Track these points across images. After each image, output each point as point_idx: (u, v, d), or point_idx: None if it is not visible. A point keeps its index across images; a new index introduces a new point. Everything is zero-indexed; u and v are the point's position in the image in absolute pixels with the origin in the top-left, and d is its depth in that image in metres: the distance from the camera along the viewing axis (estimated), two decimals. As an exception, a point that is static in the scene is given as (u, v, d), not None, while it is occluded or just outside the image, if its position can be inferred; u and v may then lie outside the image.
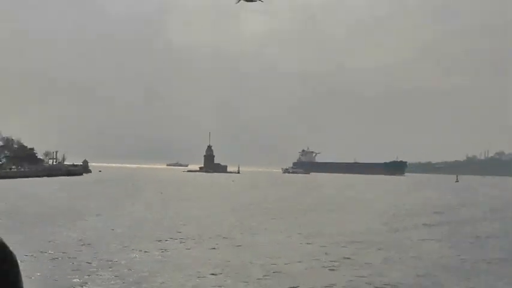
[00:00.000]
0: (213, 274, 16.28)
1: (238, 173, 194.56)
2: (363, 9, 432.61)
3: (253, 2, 8.77)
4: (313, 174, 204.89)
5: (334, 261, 18.49)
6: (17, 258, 1.25)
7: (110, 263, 17.31)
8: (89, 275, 15.50)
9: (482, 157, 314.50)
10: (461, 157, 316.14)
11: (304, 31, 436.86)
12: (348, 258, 19.30)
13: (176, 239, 23.32)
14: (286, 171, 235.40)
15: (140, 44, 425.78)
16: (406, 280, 16.02)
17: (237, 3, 8.53)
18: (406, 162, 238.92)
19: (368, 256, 20.02)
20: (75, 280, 14.90)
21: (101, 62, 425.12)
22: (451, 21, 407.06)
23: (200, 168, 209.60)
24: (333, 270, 17.38)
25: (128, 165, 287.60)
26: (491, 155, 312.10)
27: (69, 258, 17.96)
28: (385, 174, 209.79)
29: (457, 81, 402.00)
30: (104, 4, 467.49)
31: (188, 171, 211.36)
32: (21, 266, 1.31)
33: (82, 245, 20.83)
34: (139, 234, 24.31)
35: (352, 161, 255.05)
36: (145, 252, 19.75)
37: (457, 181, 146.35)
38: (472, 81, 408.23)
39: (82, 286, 14.36)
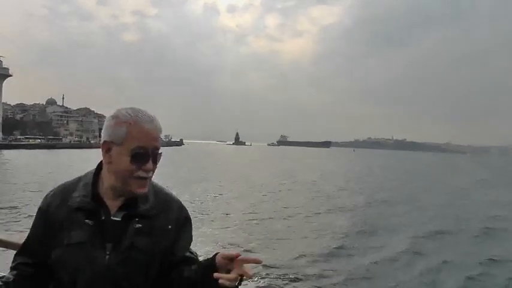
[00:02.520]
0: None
1: (251, 145, 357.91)
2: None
3: None
4: (283, 147, 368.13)
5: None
6: None
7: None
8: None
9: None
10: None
11: None
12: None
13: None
14: (271, 144, 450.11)
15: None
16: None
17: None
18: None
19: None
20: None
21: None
22: None
23: (233, 143, 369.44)
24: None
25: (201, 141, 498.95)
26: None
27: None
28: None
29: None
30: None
31: (227, 144, 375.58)
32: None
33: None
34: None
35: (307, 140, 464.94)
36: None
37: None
38: None
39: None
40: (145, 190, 1.37)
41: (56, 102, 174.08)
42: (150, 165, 1.35)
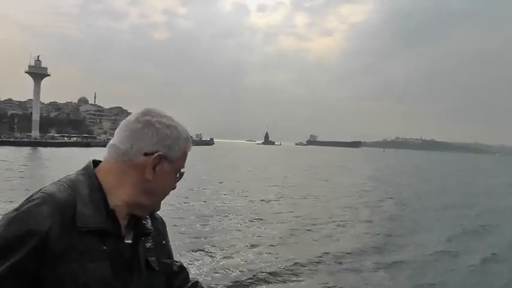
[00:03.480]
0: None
1: (280, 144, 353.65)
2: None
3: None
4: (312, 146, 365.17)
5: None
6: None
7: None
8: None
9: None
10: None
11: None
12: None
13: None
14: (299, 144, 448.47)
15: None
16: None
17: None
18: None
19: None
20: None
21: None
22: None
23: (262, 142, 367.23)
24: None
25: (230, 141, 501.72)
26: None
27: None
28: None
29: None
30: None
31: (256, 143, 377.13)
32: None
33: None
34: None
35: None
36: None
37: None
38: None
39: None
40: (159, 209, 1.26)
41: (87, 101, 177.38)
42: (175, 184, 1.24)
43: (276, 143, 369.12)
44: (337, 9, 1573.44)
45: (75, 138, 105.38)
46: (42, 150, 68.12)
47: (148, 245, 1.20)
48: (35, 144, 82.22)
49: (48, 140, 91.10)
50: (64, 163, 38.70)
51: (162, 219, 1.34)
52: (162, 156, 1.10)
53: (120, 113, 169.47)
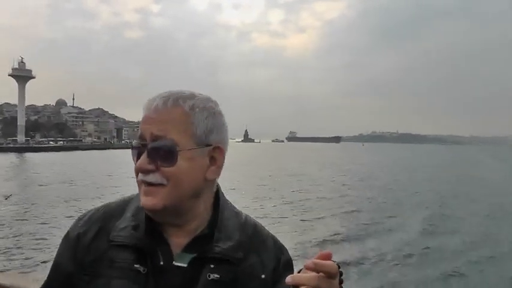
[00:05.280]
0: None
1: (260, 142, 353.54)
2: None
3: None
4: (291, 143, 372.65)
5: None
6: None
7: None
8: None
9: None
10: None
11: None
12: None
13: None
14: (276, 140, 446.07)
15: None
16: None
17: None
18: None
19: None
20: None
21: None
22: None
23: (242, 140, 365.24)
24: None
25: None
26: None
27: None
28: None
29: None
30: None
31: (236, 141, 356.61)
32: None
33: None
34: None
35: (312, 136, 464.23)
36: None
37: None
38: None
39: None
40: (148, 203, 0.89)
41: (66, 103, 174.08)
42: (141, 161, 0.88)
43: (255, 141, 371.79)
44: (312, 6, 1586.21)
45: (61, 142, 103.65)
46: (31, 156, 66.23)
47: (215, 276, 0.92)
48: (22, 150, 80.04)
49: (35, 145, 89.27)
50: (69, 168, 38.57)
51: (286, 259, 1.03)
52: None
53: (101, 114, 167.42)
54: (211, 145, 0.91)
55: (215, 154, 0.92)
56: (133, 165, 0.88)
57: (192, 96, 0.91)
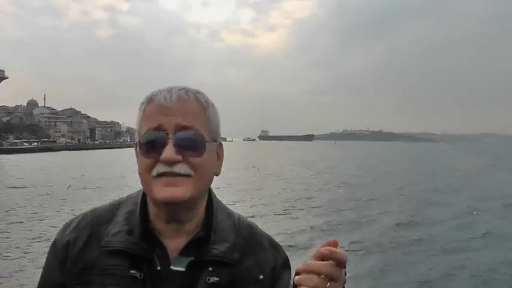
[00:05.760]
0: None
1: (232, 141, 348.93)
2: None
3: None
4: (262, 141, 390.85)
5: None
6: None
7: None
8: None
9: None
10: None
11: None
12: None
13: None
14: (247, 139, 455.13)
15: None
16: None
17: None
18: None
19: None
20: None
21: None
22: None
23: None
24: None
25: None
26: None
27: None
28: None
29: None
30: None
31: None
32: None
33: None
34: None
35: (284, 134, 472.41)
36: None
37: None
38: None
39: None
40: (177, 193, 0.84)
41: (37, 103, 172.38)
42: (168, 152, 0.83)
43: (227, 139, 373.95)
44: (281, 5, 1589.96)
45: (35, 143, 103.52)
46: (5, 158, 64.77)
47: (214, 279, 0.88)
48: (-5, 152, 79.32)
49: (8, 147, 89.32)
50: (44, 171, 39.96)
51: (283, 259, 1.01)
52: (137, 143, 0.89)
53: (74, 114, 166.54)
54: (218, 141, 0.93)
55: (219, 150, 0.95)
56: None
57: (200, 91, 0.92)
